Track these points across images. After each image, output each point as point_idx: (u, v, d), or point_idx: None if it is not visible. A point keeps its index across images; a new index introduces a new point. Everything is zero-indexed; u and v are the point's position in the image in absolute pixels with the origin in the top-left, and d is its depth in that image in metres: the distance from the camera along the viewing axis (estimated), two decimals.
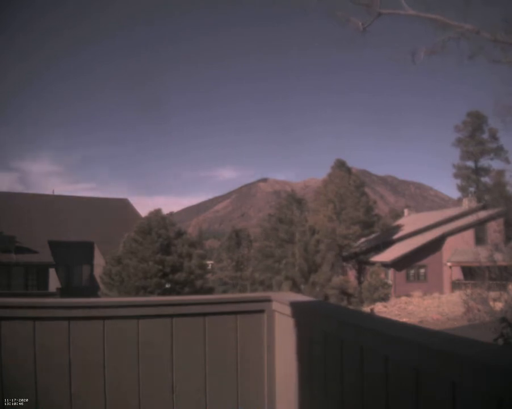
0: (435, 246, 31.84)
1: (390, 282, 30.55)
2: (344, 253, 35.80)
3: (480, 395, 1.19)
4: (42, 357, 2.20)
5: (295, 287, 25.71)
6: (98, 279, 26.13)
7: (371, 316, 3.10)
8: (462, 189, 46.76)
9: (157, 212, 24.79)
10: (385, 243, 35.20)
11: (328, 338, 1.95)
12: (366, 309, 23.24)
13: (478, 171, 46.31)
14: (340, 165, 37.62)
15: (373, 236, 37.51)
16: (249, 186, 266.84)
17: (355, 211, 34.74)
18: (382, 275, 30.39)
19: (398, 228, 38.29)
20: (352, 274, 35.49)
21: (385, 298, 28.10)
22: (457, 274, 30.76)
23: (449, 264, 31.35)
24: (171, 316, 2.38)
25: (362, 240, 36.85)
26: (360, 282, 32.53)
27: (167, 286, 22.35)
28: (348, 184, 35.40)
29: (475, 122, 44.93)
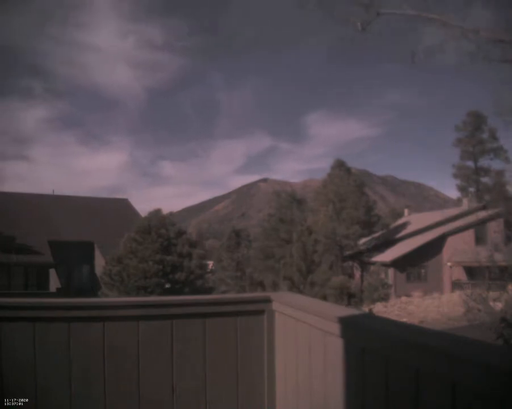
0: (435, 246, 31.83)
1: (390, 282, 30.55)
2: (348, 252, 35.76)
3: (480, 395, 1.19)
4: (42, 358, 2.20)
5: (294, 287, 25.71)
6: (98, 279, 26.13)
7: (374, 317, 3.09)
8: (462, 189, 46.72)
9: (157, 212, 24.79)
10: (386, 243, 35.19)
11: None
12: (365, 309, 23.24)
13: (478, 171, 46.28)
14: (340, 165, 37.60)
15: (373, 236, 37.50)
16: (249, 186, 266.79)
17: (355, 211, 34.70)
18: (382, 275, 30.38)
19: (399, 228, 38.29)
20: (358, 274, 35.50)
21: (385, 298, 28.08)
22: (458, 274, 30.76)
23: (449, 264, 31.34)
24: (171, 316, 2.38)
25: (364, 239, 36.84)
26: (362, 282, 32.55)
27: (167, 285, 22.35)
28: (348, 184, 35.39)
29: (475, 122, 44.90)
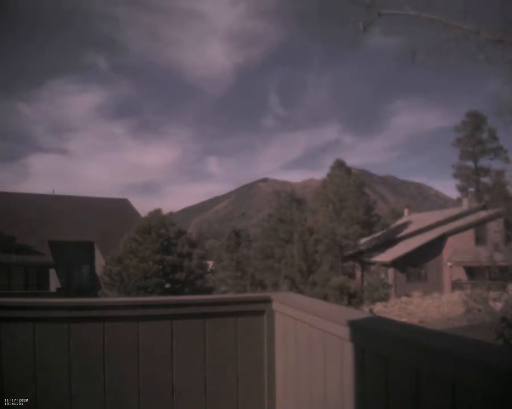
0: (435, 246, 31.84)
1: (390, 282, 30.56)
2: (348, 252, 35.77)
3: (480, 395, 1.19)
4: (42, 358, 2.20)
5: (294, 287, 25.72)
6: (98, 279, 26.14)
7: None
8: (461, 189, 46.73)
9: (157, 212, 24.81)
10: (386, 243, 35.19)
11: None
12: (366, 309, 23.23)
13: (478, 171, 46.27)
14: (340, 165, 37.62)
15: (373, 236, 37.52)
16: (249, 186, 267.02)
17: (354, 211, 34.73)
18: (382, 275, 30.39)
19: (399, 228, 38.30)
20: (358, 274, 35.53)
21: (385, 298, 28.09)
22: (458, 274, 30.77)
23: (449, 264, 31.35)
24: (171, 317, 2.38)
25: (364, 239, 36.87)
26: (362, 282, 32.57)
27: (167, 285, 22.36)
28: (348, 184, 35.42)
29: (475, 122, 44.90)
